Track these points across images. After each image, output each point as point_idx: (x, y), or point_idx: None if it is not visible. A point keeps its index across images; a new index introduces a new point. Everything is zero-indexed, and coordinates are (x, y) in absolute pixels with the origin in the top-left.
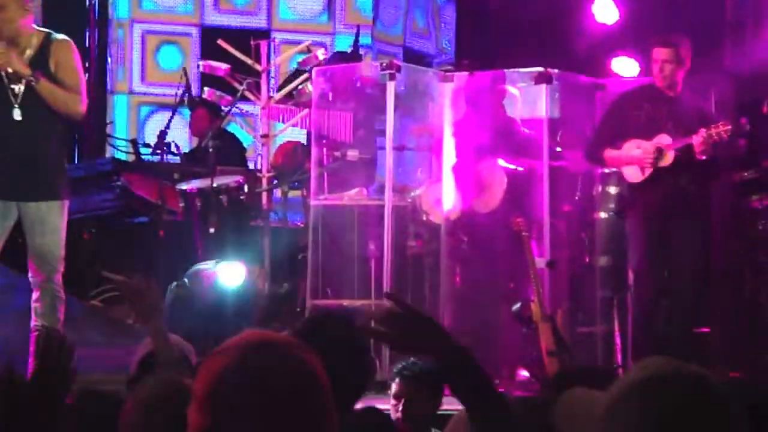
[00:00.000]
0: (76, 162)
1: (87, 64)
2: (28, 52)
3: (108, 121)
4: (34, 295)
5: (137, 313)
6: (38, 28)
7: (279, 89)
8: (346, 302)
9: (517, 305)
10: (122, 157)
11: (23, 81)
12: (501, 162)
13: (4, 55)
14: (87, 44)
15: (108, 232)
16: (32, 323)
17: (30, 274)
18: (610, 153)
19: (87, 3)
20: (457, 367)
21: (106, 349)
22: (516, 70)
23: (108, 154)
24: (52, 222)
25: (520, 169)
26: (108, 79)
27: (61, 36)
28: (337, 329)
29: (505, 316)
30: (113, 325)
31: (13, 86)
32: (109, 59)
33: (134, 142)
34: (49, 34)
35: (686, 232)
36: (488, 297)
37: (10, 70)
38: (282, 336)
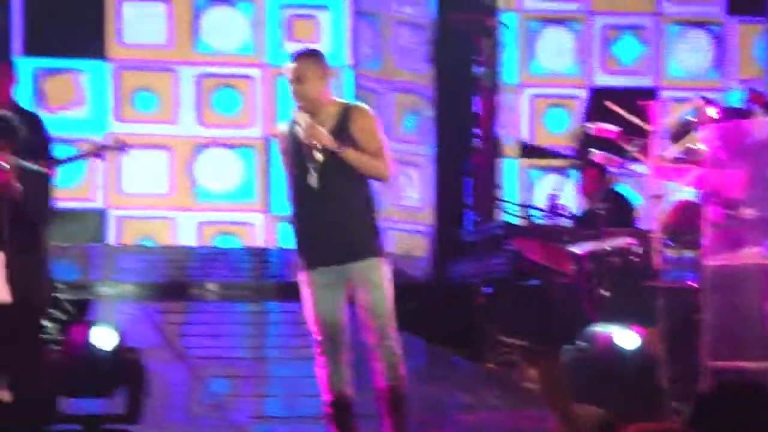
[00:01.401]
0: (468, 227)
1: (477, 130)
2: (329, 123)
3: (498, 185)
4: (373, 357)
5: (543, 388)
6: (336, 98)
7: (669, 149)
8: (746, 364)
9: None
10: (513, 221)
11: (324, 149)
12: None
13: (311, 129)
14: (476, 110)
15: (501, 296)
16: (377, 385)
17: (365, 337)
18: None
19: (476, 70)
20: None
21: (505, 412)
22: None
23: (499, 218)
24: (374, 279)
25: None
26: (498, 144)
27: (358, 104)
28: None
29: None
30: (510, 388)
31: (313, 155)
32: (498, 124)
33: (525, 206)
34: (347, 103)
35: None
36: None
37: (317, 143)
38: (669, 426)
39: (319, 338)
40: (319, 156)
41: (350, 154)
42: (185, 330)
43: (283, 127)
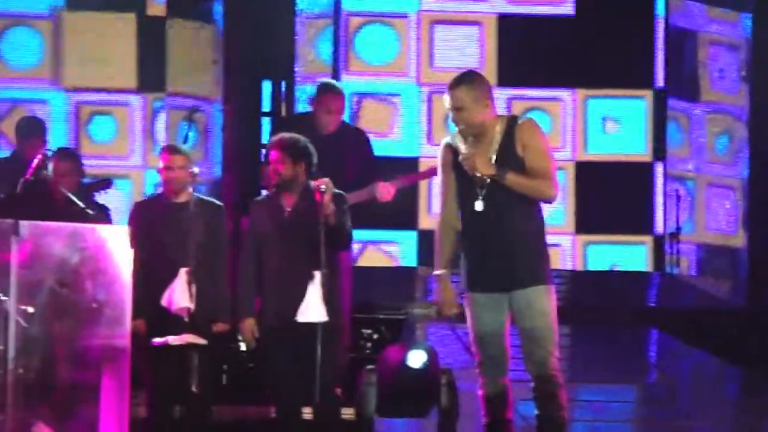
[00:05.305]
0: None
1: None
2: (495, 141)
3: None
4: (534, 386)
5: None
6: (500, 114)
7: None
8: None
9: None
10: None
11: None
12: None
13: (469, 159)
14: None
15: None
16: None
17: (525, 365)
18: None
19: None
20: None
21: None
22: None
23: None
24: (538, 306)
25: None
26: None
27: (523, 118)
28: None
29: None
30: None
31: (477, 178)
32: None
33: None
34: (513, 117)
35: None
36: None
37: (477, 174)
38: None
39: (479, 359)
40: (485, 180)
41: (510, 179)
42: None
43: (448, 140)
